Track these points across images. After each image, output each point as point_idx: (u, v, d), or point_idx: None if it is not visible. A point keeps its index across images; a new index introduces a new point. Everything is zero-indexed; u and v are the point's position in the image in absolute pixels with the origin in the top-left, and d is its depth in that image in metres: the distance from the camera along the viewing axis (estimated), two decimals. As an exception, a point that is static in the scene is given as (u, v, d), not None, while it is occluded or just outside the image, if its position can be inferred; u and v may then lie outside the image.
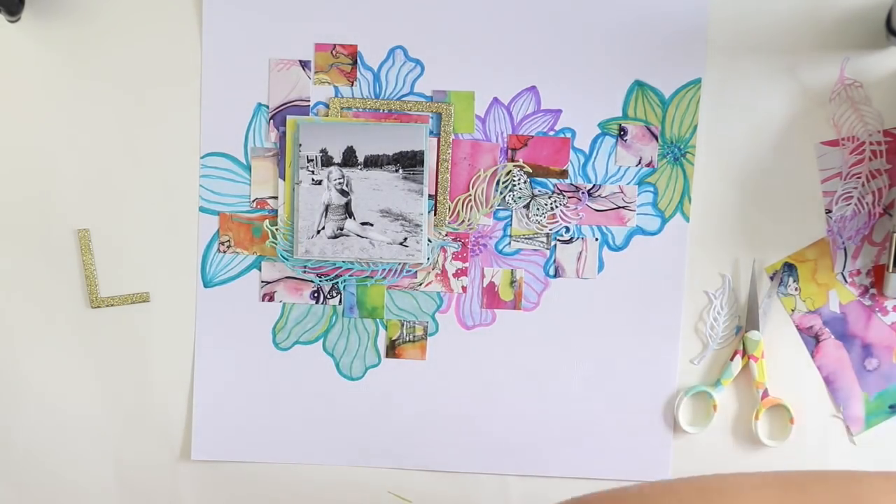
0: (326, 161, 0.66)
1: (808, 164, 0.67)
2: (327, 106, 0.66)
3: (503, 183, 0.67)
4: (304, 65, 0.66)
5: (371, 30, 0.66)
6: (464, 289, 0.67)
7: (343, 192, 0.66)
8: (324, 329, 0.68)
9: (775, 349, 0.67)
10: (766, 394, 0.66)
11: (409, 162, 0.65)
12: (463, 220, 0.67)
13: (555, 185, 0.67)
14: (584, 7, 0.66)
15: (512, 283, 0.67)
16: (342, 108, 0.66)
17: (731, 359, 0.66)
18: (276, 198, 0.67)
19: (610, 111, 0.66)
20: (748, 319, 0.66)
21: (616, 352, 0.67)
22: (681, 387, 0.67)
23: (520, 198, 0.67)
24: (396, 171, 0.66)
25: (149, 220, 0.67)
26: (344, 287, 0.68)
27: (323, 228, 0.66)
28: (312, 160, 0.66)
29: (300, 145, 0.66)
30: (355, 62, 0.66)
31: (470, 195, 0.67)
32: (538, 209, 0.67)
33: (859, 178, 0.66)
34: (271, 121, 0.67)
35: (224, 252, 0.67)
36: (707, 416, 0.67)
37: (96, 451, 0.68)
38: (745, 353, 0.66)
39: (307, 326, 0.68)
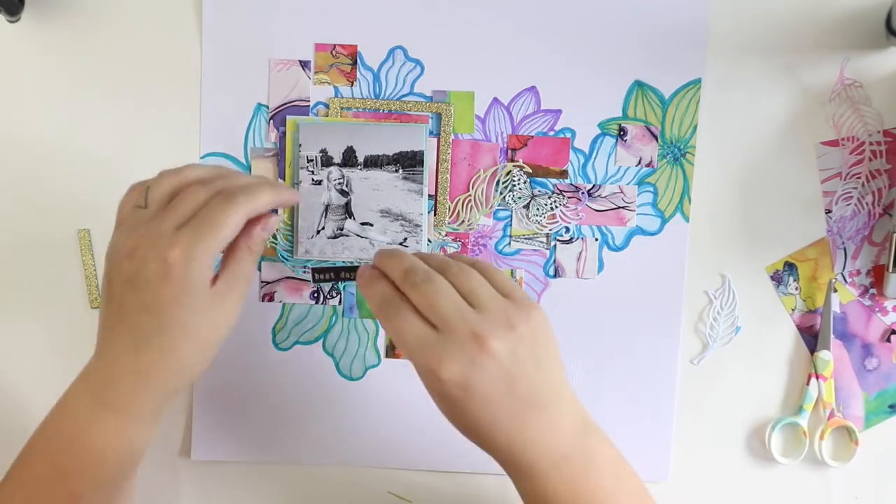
0: (326, 161, 0.66)
1: (807, 164, 0.67)
2: (327, 106, 0.66)
3: (503, 183, 0.67)
4: (304, 65, 0.66)
5: (371, 30, 0.66)
6: (464, 289, 0.67)
7: (343, 193, 0.66)
8: (324, 329, 0.68)
9: (775, 349, 0.68)
10: (832, 414, 0.66)
11: (408, 162, 0.65)
12: (463, 221, 0.67)
13: (555, 186, 0.67)
14: (584, 7, 0.66)
15: (512, 283, 0.67)
16: (342, 109, 0.66)
17: (808, 383, 0.66)
18: (275, 198, 0.67)
19: (610, 111, 0.66)
20: (820, 339, 0.66)
21: (616, 352, 0.67)
22: (767, 419, 0.67)
23: (520, 198, 0.67)
24: (396, 171, 0.66)
25: (149, 221, 0.67)
26: (344, 287, 0.68)
27: (323, 228, 0.66)
28: (312, 160, 0.66)
29: (300, 145, 0.66)
30: (355, 62, 0.66)
31: (470, 195, 0.67)
32: (538, 209, 0.67)
33: (859, 178, 0.66)
34: (271, 121, 0.67)
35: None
36: (799, 445, 0.67)
37: (96, 451, 0.68)
38: (816, 373, 0.66)
39: (307, 326, 0.68)
